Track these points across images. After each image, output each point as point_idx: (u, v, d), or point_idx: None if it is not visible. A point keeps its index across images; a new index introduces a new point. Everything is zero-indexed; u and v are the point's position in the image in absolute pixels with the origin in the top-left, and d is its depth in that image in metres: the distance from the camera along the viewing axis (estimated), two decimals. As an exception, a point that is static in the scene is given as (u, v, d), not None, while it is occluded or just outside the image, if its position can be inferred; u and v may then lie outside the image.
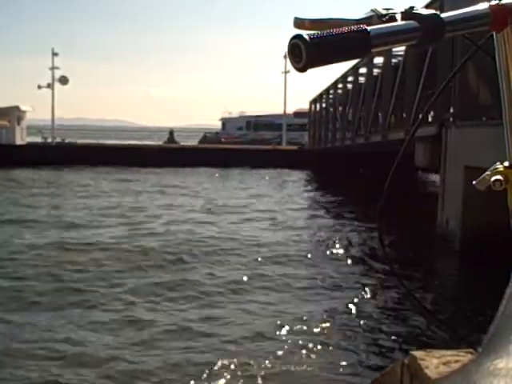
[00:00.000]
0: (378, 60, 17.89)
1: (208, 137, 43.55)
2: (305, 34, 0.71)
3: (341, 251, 10.68)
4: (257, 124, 43.45)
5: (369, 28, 0.75)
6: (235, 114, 46.69)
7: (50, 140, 34.18)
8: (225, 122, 45.87)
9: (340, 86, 25.04)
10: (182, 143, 39.95)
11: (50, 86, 35.05)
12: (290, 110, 41.77)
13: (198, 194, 19.80)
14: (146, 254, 9.97)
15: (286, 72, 36.41)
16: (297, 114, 41.43)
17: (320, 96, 30.88)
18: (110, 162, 28.06)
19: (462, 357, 1.80)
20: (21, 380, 5.09)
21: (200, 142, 42.18)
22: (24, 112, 32.99)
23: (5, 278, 8.34)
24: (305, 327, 6.42)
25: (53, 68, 34.93)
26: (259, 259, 9.78)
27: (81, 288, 7.85)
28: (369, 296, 7.71)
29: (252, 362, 5.41)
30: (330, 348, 5.85)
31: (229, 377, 5.15)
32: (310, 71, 0.73)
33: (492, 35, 0.91)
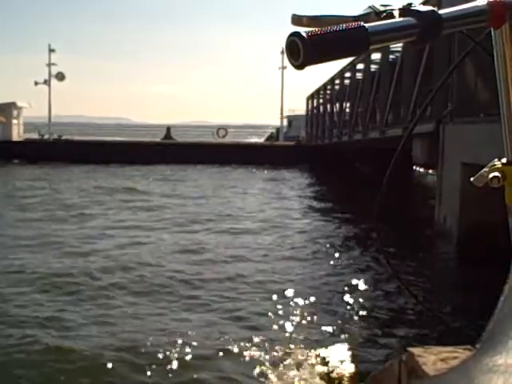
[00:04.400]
0: (376, 56, 17.87)
1: (274, 135, 41.27)
2: (303, 31, 0.71)
3: (332, 246, 10.68)
4: None
5: (366, 25, 0.74)
6: (298, 112, 41.79)
7: (46, 136, 34.10)
8: (291, 119, 41.75)
9: (337, 81, 25.02)
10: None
11: (47, 82, 34.97)
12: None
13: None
14: None
15: (283, 68, 36.36)
16: None
17: (317, 92, 30.86)
18: (118, 160, 27.70)
19: (459, 353, 1.80)
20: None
21: (266, 140, 40.43)
22: (21, 108, 32.93)
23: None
24: (302, 324, 6.43)
25: (49, 64, 34.86)
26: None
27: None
28: (367, 292, 7.71)
29: (245, 361, 5.41)
30: (327, 345, 5.85)
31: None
32: (308, 68, 0.73)
33: (490, 31, 0.91)
